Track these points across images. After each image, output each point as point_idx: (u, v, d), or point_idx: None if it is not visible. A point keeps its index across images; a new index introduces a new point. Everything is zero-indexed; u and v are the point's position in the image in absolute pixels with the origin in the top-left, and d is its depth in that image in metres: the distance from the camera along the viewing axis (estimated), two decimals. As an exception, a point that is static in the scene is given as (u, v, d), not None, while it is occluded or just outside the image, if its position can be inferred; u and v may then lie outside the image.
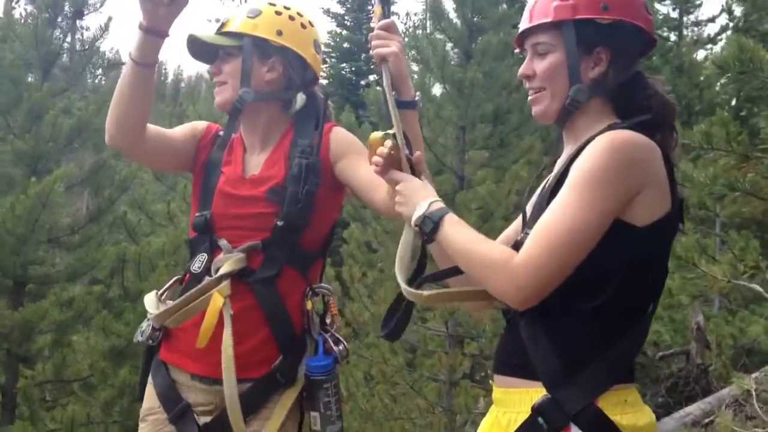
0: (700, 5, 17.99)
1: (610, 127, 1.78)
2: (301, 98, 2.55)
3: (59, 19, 7.37)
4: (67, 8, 7.48)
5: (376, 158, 1.95)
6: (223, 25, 2.57)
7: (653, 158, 1.74)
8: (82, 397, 8.09)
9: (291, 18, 2.55)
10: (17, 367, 7.97)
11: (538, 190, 2.02)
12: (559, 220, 1.69)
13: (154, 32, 2.35)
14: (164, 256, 7.78)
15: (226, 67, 2.54)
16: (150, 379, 2.58)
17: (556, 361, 1.72)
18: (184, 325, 2.46)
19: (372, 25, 2.17)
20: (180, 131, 2.67)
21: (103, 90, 12.02)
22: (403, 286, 1.88)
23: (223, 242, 2.48)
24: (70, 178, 7.33)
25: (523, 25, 1.93)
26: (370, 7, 28.45)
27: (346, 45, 28.02)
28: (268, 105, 2.56)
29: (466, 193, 8.15)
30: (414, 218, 1.85)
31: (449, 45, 8.89)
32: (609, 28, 1.84)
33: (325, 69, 27.76)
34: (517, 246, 1.80)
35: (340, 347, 2.50)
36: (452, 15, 8.74)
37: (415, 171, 1.96)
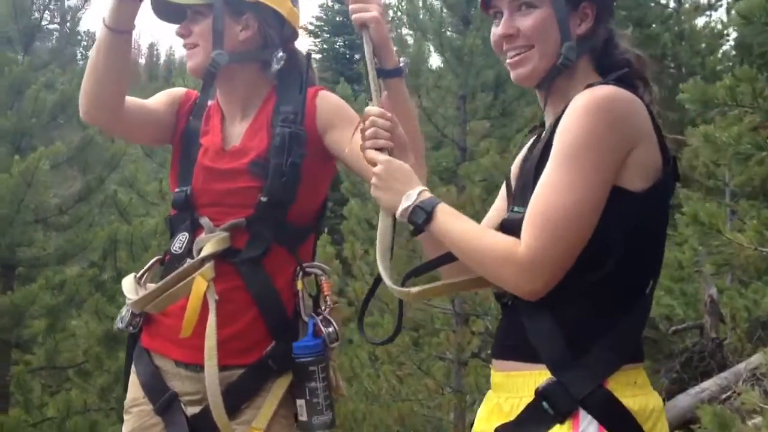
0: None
1: (588, 87, 1.68)
2: (279, 56, 2.37)
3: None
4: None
5: (357, 135, 1.89)
6: None
7: (638, 112, 1.65)
8: (79, 384, 7.99)
9: None
10: (10, 353, 7.88)
11: (519, 159, 1.94)
12: (557, 201, 1.60)
13: None
14: (157, 236, 7.67)
15: (196, 28, 2.37)
16: (133, 368, 2.45)
17: (561, 342, 1.63)
18: (166, 309, 2.33)
19: None
20: (158, 100, 2.52)
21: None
22: (389, 283, 1.78)
23: (204, 220, 2.34)
24: (56, 156, 7.14)
25: None
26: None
27: (338, 18, 27.62)
28: (244, 67, 2.40)
29: (469, 165, 7.98)
30: (401, 208, 1.75)
31: (446, 11, 8.68)
32: None
33: (318, 43, 27.72)
34: (507, 226, 1.73)
35: (330, 329, 2.31)
36: (447, -21, 8.51)
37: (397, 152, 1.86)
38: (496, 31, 1.81)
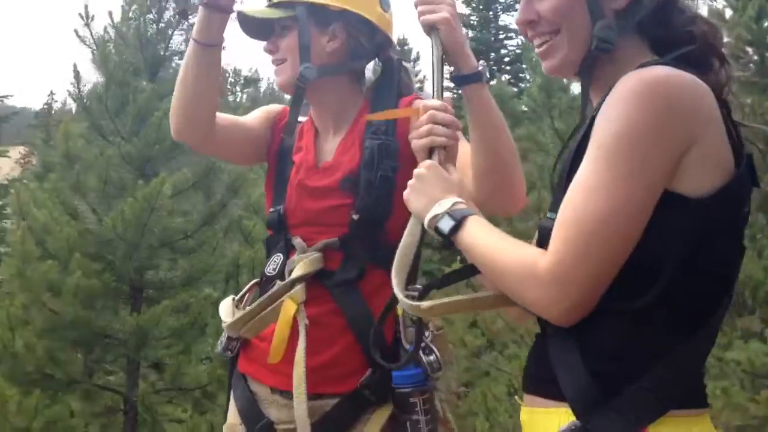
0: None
1: (639, 68, 1.39)
2: (371, 67, 2.26)
3: (164, 20, 7.36)
4: (171, 9, 7.46)
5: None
6: None
7: (701, 101, 1.34)
8: (207, 405, 8.09)
9: None
10: (137, 374, 8.08)
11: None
12: (588, 206, 1.33)
13: (216, 7, 2.18)
14: (278, 260, 7.58)
15: (283, 43, 2.30)
16: (231, 393, 2.40)
17: (588, 378, 1.35)
18: (262, 333, 2.28)
19: None
20: (253, 118, 2.47)
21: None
22: (400, 296, 1.60)
23: (297, 240, 2.27)
24: (180, 182, 7.23)
25: None
26: (497, 5, 28.33)
27: (473, 45, 27.65)
28: (334, 80, 2.31)
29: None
30: (429, 215, 1.57)
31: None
32: None
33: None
34: (540, 236, 1.47)
35: (431, 358, 2.10)
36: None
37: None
38: (518, 16, 1.59)
